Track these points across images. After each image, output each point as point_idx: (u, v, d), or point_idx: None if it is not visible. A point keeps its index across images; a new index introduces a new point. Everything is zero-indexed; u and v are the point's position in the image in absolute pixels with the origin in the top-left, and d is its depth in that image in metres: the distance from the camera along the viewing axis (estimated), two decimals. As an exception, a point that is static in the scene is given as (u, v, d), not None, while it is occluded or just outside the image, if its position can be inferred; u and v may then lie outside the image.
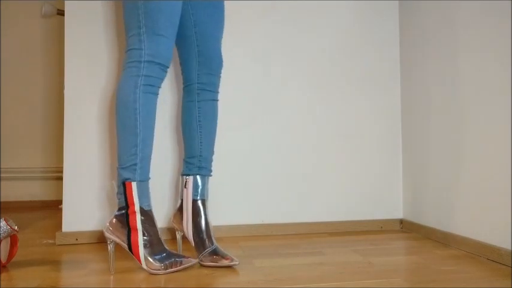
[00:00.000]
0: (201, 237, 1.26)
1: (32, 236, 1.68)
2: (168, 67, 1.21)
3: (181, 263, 1.16)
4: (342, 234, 1.68)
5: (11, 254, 1.22)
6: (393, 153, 1.83)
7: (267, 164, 1.71)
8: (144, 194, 1.18)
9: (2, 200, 2.64)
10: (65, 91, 1.56)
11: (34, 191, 2.67)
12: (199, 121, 1.34)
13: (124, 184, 1.16)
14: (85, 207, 1.55)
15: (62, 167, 1.57)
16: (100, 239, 1.54)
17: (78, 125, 1.56)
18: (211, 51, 1.34)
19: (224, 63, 1.53)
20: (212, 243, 1.25)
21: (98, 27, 1.59)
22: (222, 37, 1.37)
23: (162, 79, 1.21)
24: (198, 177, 1.31)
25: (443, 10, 1.54)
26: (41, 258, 1.33)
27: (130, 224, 1.15)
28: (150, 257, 1.14)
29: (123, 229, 1.15)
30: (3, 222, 1.17)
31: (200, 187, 1.31)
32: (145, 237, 1.15)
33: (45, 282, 1.08)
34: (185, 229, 1.29)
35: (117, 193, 1.18)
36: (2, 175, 2.63)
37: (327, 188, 1.76)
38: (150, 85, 1.18)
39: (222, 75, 1.39)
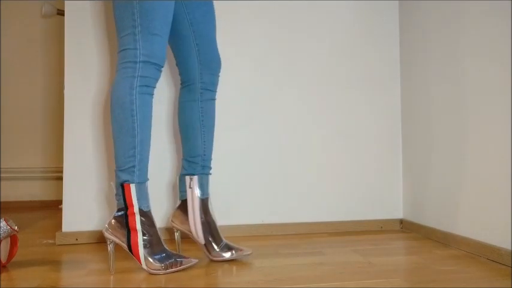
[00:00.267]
0: (212, 234, 1.29)
1: (32, 236, 1.68)
2: (162, 67, 1.21)
3: (181, 263, 1.16)
4: (342, 234, 1.68)
5: (11, 254, 1.22)
6: (393, 153, 1.83)
7: (267, 164, 1.71)
8: (142, 195, 1.18)
9: (2, 200, 2.64)
10: (65, 91, 1.56)
11: (34, 191, 2.67)
12: (202, 120, 1.34)
13: (122, 186, 1.16)
14: (85, 208, 1.55)
15: (62, 167, 1.57)
16: (100, 239, 1.54)
17: (78, 125, 1.56)
18: (210, 50, 1.34)
19: (222, 63, 1.54)
20: (221, 239, 1.29)
21: (98, 27, 1.59)
22: (216, 36, 1.38)
23: (157, 79, 1.20)
24: (202, 176, 1.33)
25: (444, 10, 1.54)
26: (41, 258, 1.33)
27: (129, 225, 1.15)
28: (150, 257, 1.14)
29: (122, 230, 1.15)
30: (3, 222, 1.17)
31: (205, 186, 1.32)
32: (145, 238, 1.15)
33: (45, 282, 1.08)
34: (193, 230, 1.29)
35: (116, 194, 1.18)
36: (2, 175, 2.63)
37: (327, 188, 1.76)
38: (146, 86, 1.17)
39: (219, 74, 1.40)
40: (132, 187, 1.15)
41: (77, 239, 1.53)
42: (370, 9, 1.83)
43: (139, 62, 1.16)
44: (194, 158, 1.34)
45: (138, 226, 1.15)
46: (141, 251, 1.14)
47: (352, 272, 1.16)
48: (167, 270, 1.14)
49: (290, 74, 1.75)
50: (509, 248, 1.22)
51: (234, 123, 1.69)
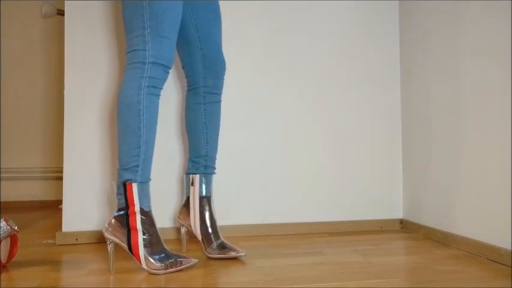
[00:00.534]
0: (208, 231, 1.32)
1: (32, 236, 1.68)
2: (170, 68, 1.22)
3: (181, 263, 1.16)
4: (342, 234, 1.68)
5: (11, 254, 1.22)
6: (393, 153, 1.83)
7: (267, 164, 1.71)
8: (144, 194, 1.18)
9: (2, 200, 2.64)
10: (65, 91, 1.56)
11: (34, 191, 2.67)
12: (205, 122, 1.38)
13: (125, 185, 1.16)
14: (85, 207, 1.55)
15: (62, 167, 1.57)
16: (100, 239, 1.54)
17: (78, 125, 1.56)
18: (215, 54, 1.37)
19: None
20: (219, 238, 1.32)
21: (98, 27, 1.59)
22: (221, 40, 1.41)
23: (164, 80, 1.22)
24: (204, 175, 1.36)
25: (444, 10, 1.54)
26: (41, 258, 1.33)
27: (130, 225, 1.15)
28: (150, 257, 1.14)
29: (122, 229, 1.15)
30: (3, 222, 1.17)
31: (206, 185, 1.36)
32: (145, 237, 1.15)
33: (45, 282, 1.08)
34: (192, 225, 1.34)
35: (117, 194, 1.18)
36: (2, 175, 2.63)
37: (327, 188, 1.76)
38: (153, 87, 1.18)
39: (224, 77, 1.43)
40: (135, 186, 1.16)
41: (77, 239, 1.53)
42: (370, 9, 1.83)
43: (148, 63, 1.17)
44: (197, 158, 1.38)
45: (139, 225, 1.15)
46: (141, 251, 1.14)
47: (352, 272, 1.16)
48: (167, 270, 1.14)
49: (290, 74, 1.75)
50: (509, 248, 1.22)
51: (234, 123, 1.69)
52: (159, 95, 1.22)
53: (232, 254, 1.28)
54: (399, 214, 1.82)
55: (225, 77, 1.41)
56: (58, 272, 1.18)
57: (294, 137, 1.74)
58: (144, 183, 1.18)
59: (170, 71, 1.23)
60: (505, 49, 1.25)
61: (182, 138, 1.63)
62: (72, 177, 1.55)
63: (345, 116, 1.79)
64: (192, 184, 1.36)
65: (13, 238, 1.23)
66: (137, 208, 1.16)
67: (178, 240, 1.58)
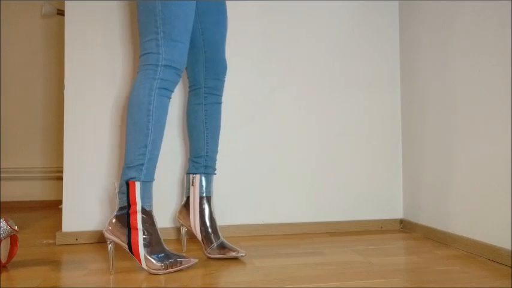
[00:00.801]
0: (208, 231, 1.33)
1: (32, 236, 1.68)
2: (182, 71, 1.24)
3: (181, 263, 1.16)
4: (342, 234, 1.68)
5: (11, 254, 1.22)
6: (393, 153, 1.83)
7: (267, 164, 1.71)
8: (146, 194, 1.18)
9: (2, 200, 2.64)
10: (65, 91, 1.56)
11: (34, 191, 2.67)
12: (205, 123, 1.39)
13: (128, 183, 1.17)
14: (85, 207, 1.55)
15: (62, 167, 1.57)
16: (100, 239, 1.54)
17: (78, 125, 1.56)
18: (217, 57, 1.40)
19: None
20: (218, 238, 1.33)
21: (98, 27, 1.59)
22: (225, 42, 1.43)
23: (176, 83, 1.23)
24: (204, 175, 1.37)
25: (444, 10, 1.54)
26: (41, 258, 1.33)
27: (130, 224, 1.16)
28: (150, 257, 1.14)
29: (123, 229, 1.16)
30: (3, 222, 1.17)
31: (206, 185, 1.37)
32: (145, 237, 1.15)
33: (45, 282, 1.08)
34: (192, 224, 1.35)
35: (119, 192, 1.18)
36: (2, 175, 2.63)
37: (327, 188, 1.76)
38: (165, 88, 1.20)
39: (225, 79, 1.44)
40: (138, 185, 1.16)
41: (77, 239, 1.53)
42: (370, 9, 1.83)
43: (161, 65, 1.19)
44: (198, 158, 1.39)
45: (139, 225, 1.15)
46: (141, 250, 1.14)
47: (352, 272, 1.16)
48: (167, 270, 1.14)
49: (290, 74, 1.75)
50: (509, 248, 1.22)
51: (234, 123, 1.69)
52: (170, 98, 1.23)
53: (232, 254, 1.28)
54: (399, 214, 1.82)
55: (225, 79, 1.41)
56: (58, 272, 1.18)
57: (294, 137, 1.74)
58: (147, 183, 1.19)
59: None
60: (505, 49, 1.25)
61: (183, 139, 1.63)
62: (72, 177, 1.55)
63: (345, 116, 1.79)
64: (193, 184, 1.37)
65: (13, 238, 1.23)
66: (139, 207, 1.16)
67: (179, 240, 1.58)
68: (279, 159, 1.72)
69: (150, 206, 1.19)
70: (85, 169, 1.56)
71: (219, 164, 1.64)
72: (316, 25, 1.77)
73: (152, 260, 1.14)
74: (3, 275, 1.14)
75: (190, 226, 1.36)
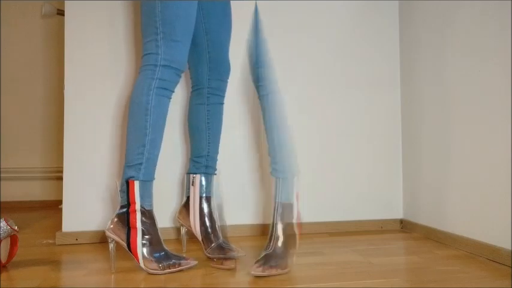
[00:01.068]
0: (208, 231, 1.32)
1: (32, 236, 1.68)
2: (183, 71, 1.24)
3: (179, 265, 1.16)
4: (342, 234, 1.68)
5: (11, 254, 1.22)
6: (393, 153, 1.83)
7: (267, 164, 1.71)
8: (146, 193, 1.19)
9: (2, 200, 2.64)
10: (65, 91, 1.56)
11: (34, 191, 2.67)
12: (207, 123, 1.39)
13: (127, 182, 1.17)
14: (85, 207, 1.55)
15: (62, 167, 1.57)
16: (100, 239, 1.54)
17: (78, 125, 1.56)
18: (221, 58, 1.40)
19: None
20: (218, 238, 1.32)
21: (98, 27, 1.59)
22: (229, 43, 1.44)
23: (176, 83, 1.23)
24: (204, 175, 1.37)
25: (444, 10, 1.54)
26: (41, 258, 1.33)
27: (130, 223, 1.16)
28: (149, 256, 1.14)
29: (123, 228, 1.16)
30: (3, 222, 1.17)
31: (206, 185, 1.37)
32: (145, 236, 1.15)
33: (45, 282, 1.08)
34: (192, 224, 1.35)
35: (120, 191, 1.19)
36: (2, 175, 2.63)
37: (327, 188, 1.76)
38: (163, 88, 1.20)
39: (228, 80, 1.44)
40: (136, 184, 1.17)
41: (77, 239, 1.53)
42: (370, 9, 1.83)
43: (160, 65, 1.20)
44: (199, 158, 1.39)
45: (139, 224, 1.16)
46: (140, 250, 1.14)
47: (352, 272, 1.16)
48: (165, 271, 1.14)
49: (290, 74, 1.75)
50: (509, 248, 1.22)
51: (234, 123, 1.69)
52: (170, 97, 1.23)
53: (231, 254, 1.28)
54: (399, 214, 1.82)
55: (228, 80, 1.42)
56: (58, 272, 1.18)
57: (294, 137, 1.73)
58: (146, 182, 1.19)
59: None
60: (505, 49, 1.25)
61: (184, 139, 1.63)
62: (72, 177, 1.55)
63: (345, 116, 1.79)
64: (193, 184, 1.37)
65: (13, 238, 1.23)
66: (138, 206, 1.16)
67: (179, 240, 1.58)
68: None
69: (150, 205, 1.19)
70: (85, 169, 1.56)
71: (219, 164, 1.63)
72: (316, 25, 1.77)
73: (151, 260, 1.14)
74: (3, 275, 1.14)
75: (190, 226, 1.36)
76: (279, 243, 1.20)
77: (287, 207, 1.24)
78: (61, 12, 2.47)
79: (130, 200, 1.17)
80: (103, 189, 1.57)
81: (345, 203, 1.77)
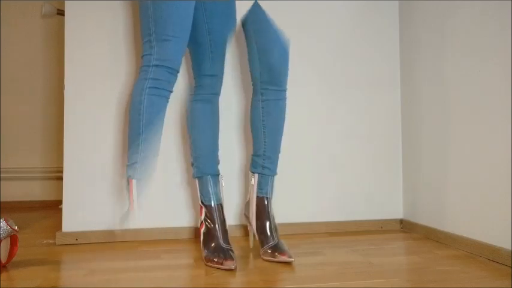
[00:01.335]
0: (264, 231, 1.33)
1: (32, 236, 1.68)
2: (177, 70, 1.24)
3: (221, 263, 1.19)
4: (342, 234, 1.68)
5: (11, 254, 1.22)
6: (393, 153, 1.83)
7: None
8: (203, 188, 1.26)
9: (2, 200, 2.64)
10: (65, 91, 1.56)
11: (34, 191, 2.67)
12: (263, 121, 1.39)
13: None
14: (85, 207, 1.55)
15: (62, 167, 1.57)
16: (100, 239, 1.54)
17: (78, 125, 1.56)
18: (223, 58, 1.43)
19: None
20: (273, 239, 1.32)
21: (98, 27, 1.59)
22: (231, 42, 1.48)
23: (170, 82, 1.24)
24: (262, 175, 1.38)
25: (444, 10, 1.54)
26: (41, 258, 1.33)
27: (200, 215, 1.27)
28: (203, 247, 1.24)
29: None
30: (3, 223, 1.17)
31: (263, 185, 1.38)
32: (204, 230, 1.24)
33: (45, 282, 1.08)
34: (251, 223, 1.37)
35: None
36: (2, 175, 2.63)
37: (327, 188, 1.76)
38: (156, 87, 1.21)
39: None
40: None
41: (77, 239, 1.53)
42: (370, 9, 1.83)
43: (152, 65, 1.21)
44: (256, 157, 1.40)
45: (202, 217, 1.25)
46: (201, 240, 1.24)
47: (352, 272, 1.16)
48: (209, 264, 1.20)
49: (290, 74, 1.74)
50: (509, 248, 1.22)
51: (234, 123, 1.69)
52: (166, 96, 1.24)
53: (282, 258, 1.25)
54: (399, 214, 1.82)
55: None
56: (58, 272, 1.18)
57: (293, 137, 1.73)
58: (201, 178, 1.26)
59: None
60: (505, 49, 1.25)
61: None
62: (72, 177, 1.55)
63: (345, 116, 1.79)
64: (252, 183, 1.39)
65: (13, 238, 1.23)
66: (200, 201, 1.25)
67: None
68: (279, 159, 1.71)
69: (212, 200, 1.26)
70: (85, 169, 1.56)
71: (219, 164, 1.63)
72: (316, 25, 1.77)
73: (204, 251, 1.23)
74: (3, 275, 1.14)
75: (249, 222, 1.38)
76: (278, 234, 1.33)
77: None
78: (61, 12, 2.46)
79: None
80: (103, 189, 1.57)
81: (345, 203, 1.77)
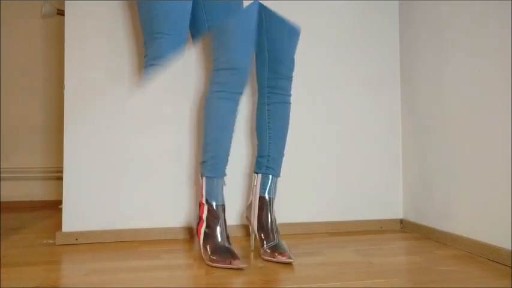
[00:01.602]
0: (265, 231, 1.35)
1: (32, 236, 1.68)
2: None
3: (230, 263, 1.19)
4: (342, 234, 1.68)
5: None
6: (393, 153, 1.83)
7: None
8: (212, 189, 1.27)
9: (2, 200, 2.64)
10: (65, 91, 1.56)
11: (34, 191, 2.67)
12: (268, 123, 1.42)
13: (201, 177, 1.30)
14: (85, 207, 1.55)
15: (62, 167, 1.57)
16: (100, 239, 1.54)
17: (78, 124, 1.56)
18: None
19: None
20: (274, 238, 1.33)
21: (98, 27, 1.59)
22: None
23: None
24: (265, 175, 1.40)
25: (443, 10, 1.54)
26: (41, 258, 1.33)
27: (200, 214, 1.28)
28: (204, 247, 1.24)
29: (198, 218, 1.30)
30: None
31: (266, 185, 1.40)
32: (207, 228, 1.25)
33: (45, 282, 1.08)
34: (252, 222, 1.38)
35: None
36: (2, 175, 2.63)
37: (327, 188, 1.76)
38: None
39: None
40: (204, 180, 1.29)
41: (77, 239, 1.53)
42: (370, 9, 1.83)
43: (148, 66, 1.25)
44: (261, 158, 1.43)
45: (205, 216, 1.26)
46: (201, 239, 1.25)
47: (352, 272, 1.16)
48: (214, 264, 1.20)
49: (290, 74, 1.74)
50: (509, 248, 1.22)
51: (238, 124, 1.68)
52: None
53: (281, 258, 1.24)
54: (399, 214, 1.82)
55: None
56: (58, 272, 1.18)
57: (293, 137, 1.73)
58: (213, 178, 1.27)
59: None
60: (505, 49, 1.25)
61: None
62: (72, 177, 1.55)
63: (345, 116, 1.79)
64: (255, 183, 1.41)
65: None
66: (204, 200, 1.27)
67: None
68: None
69: (217, 200, 1.27)
70: (85, 169, 1.56)
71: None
72: (316, 25, 1.77)
73: (206, 251, 1.22)
74: (3, 275, 1.14)
75: (250, 223, 1.39)
76: (279, 235, 1.35)
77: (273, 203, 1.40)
78: (61, 12, 2.47)
79: (201, 194, 1.29)
80: (103, 189, 1.57)
81: (345, 203, 1.77)
